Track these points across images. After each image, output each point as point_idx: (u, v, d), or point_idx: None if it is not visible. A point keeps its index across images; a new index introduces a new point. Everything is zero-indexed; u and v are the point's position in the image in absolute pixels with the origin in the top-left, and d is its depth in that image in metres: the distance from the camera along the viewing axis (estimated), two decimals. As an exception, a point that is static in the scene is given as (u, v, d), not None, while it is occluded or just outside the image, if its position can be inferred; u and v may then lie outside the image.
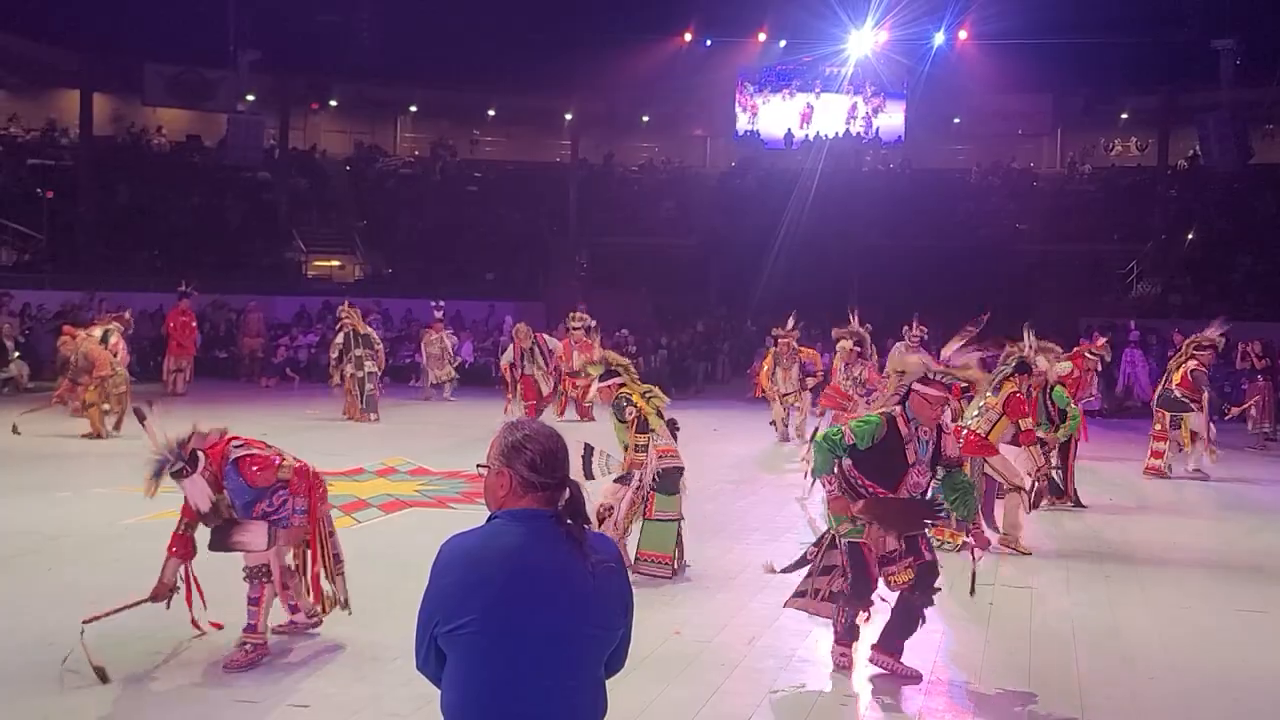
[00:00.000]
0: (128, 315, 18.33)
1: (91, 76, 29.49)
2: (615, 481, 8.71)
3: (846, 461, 6.54)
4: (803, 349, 17.30)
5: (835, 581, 6.68)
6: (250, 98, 29.62)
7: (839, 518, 6.59)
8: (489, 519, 3.09)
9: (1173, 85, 30.10)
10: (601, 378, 9.01)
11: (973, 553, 7.09)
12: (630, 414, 8.81)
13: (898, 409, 6.50)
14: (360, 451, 14.42)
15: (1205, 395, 14.32)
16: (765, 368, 17.51)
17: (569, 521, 3.02)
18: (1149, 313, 26.17)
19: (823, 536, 6.96)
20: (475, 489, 11.71)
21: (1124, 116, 33.75)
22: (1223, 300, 26.58)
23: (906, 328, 17.94)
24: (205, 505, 6.37)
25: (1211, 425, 14.58)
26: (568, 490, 3.06)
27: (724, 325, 28.19)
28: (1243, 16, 26.96)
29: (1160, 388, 14.97)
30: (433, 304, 21.93)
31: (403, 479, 12.88)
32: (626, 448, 8.91)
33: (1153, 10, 27.71)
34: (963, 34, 30.09)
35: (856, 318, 16.14)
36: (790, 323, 17.14)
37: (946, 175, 35.13)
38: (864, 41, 30.82)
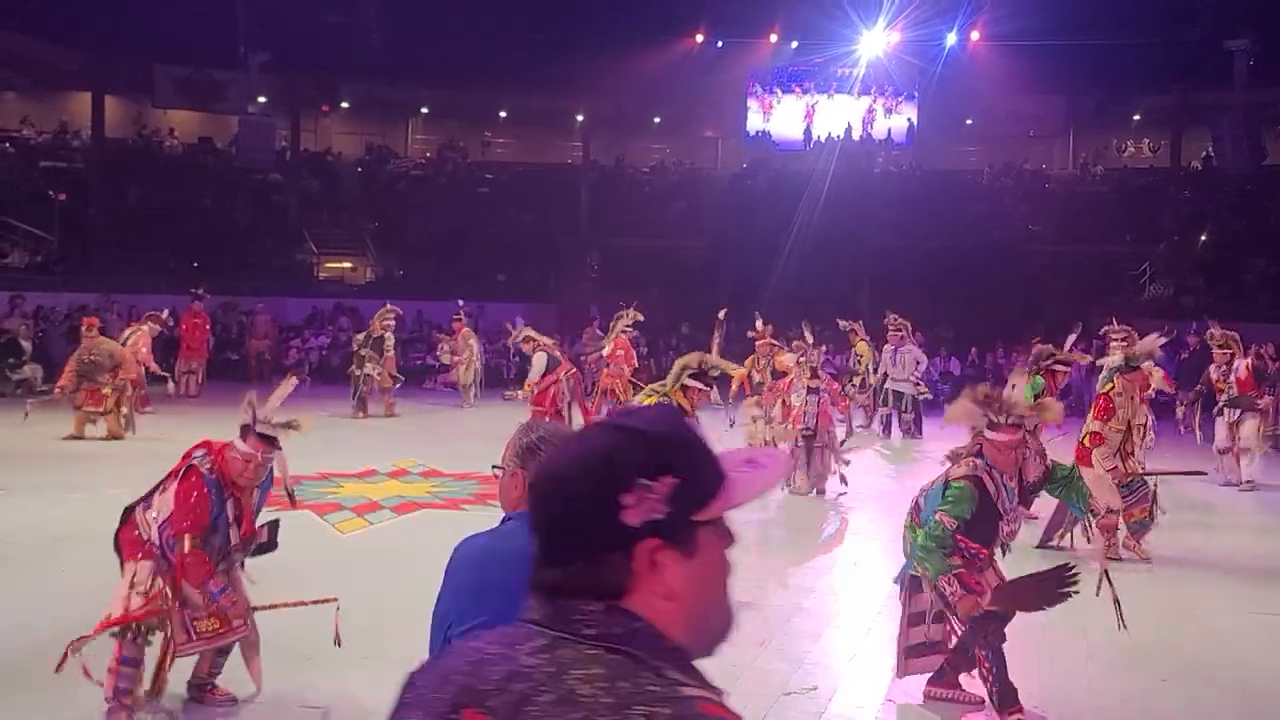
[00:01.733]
0: (165, 315, 18.48)
1: (102, 78, 29.56)
2: None
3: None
4: (780, 355, 16.73)
5: (950, 628, 6.31)
6: (261, 100, 29.67)
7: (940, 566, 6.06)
8: (503, 520, 3.08)
9: (1185, 86, 29.98)
10: (683, 381, 8.48)
11: (1105, 576, 6.64)
12: None
13: (978, 464, 6.06)
14: (372, 453, 14.44)
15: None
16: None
17: None
18: (1162, 314, 26.09)
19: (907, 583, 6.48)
20: (487, 490, 11.72)
21: (1136, 118, 33.64)
22: (1236, 302, 26.53)
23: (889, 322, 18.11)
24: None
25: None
26: None
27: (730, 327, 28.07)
28: (1256, 16, 26.85)
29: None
30: (459, 303, 21.99)
31: (415, 480, 12.90)
32: None
33: (1165, 10, 27.61)
34: (974, 35, 30.01)
35: (810, 332, 16.11)
36: (759, 324, 17.28)
37: (958, 176, 35.06)
38: (875, 42, 30.75)
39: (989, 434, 6.04)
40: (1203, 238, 30.06)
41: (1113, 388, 9.72)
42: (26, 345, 20.92)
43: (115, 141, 31.01)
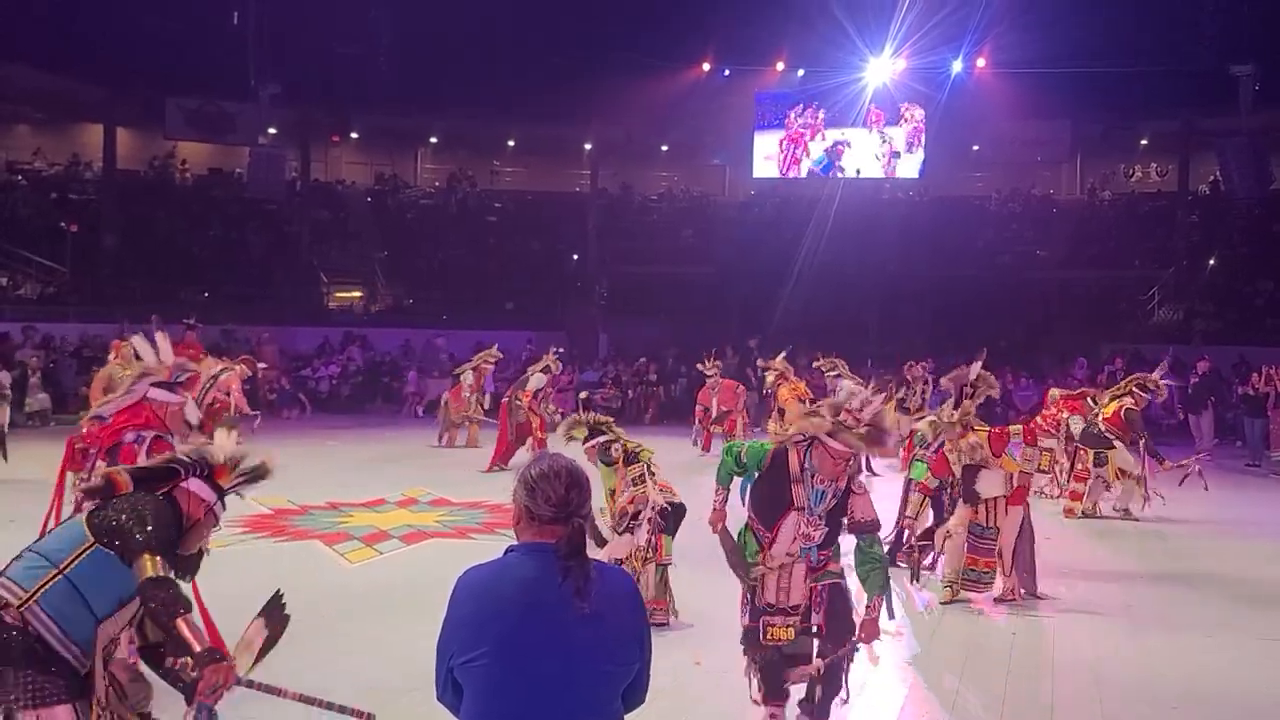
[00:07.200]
0: (262, 365, 18.18)
1: (114, 110, 29.76)
2: (621, 534, 8.27)
3: (749, 491, 6.15)
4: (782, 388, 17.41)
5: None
6: (271, 131, 29.82)
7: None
8: (506, 551, 3.12)
9: (1192, 111, 30.01)
10: (586, 440, 8.70)
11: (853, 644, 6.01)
12: (616, 450, 8.54)
13: (797, 445, 5.91)
14: (381, 482, 14.46)
15: (1143, 437, 13.51)
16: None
17: (566, 559, 3.03)
18: (1172, 339, 26.08)
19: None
20: (496, 519, 11.74)
21: (1144, 142, 33.62)
22: (1245, 326, 26.53)
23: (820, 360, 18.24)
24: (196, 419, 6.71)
25: (1147, 466, 13.52)
26: (569, 526, 3.08)
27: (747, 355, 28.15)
28: (1261, 42, 26.91)
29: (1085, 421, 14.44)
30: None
31: (424, 509, 12.91)
32: (613, 493, 8.52)
33: (1171, 36, 27.68)
34: (980, 62, 30.05)
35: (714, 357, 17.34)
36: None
37: (966, 202, 35.06)
38: (882, 70, 30.79)
39: (825, 439, 5.80)
40: (1211, 262, 30.07)
41: (945, 446, 9.56)
42: (35, 376, 20.93)
43: (127, 173, 31.18)
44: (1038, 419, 12.25)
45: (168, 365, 7.51)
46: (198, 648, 4.25)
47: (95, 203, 30.05)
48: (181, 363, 7.75)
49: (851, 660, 6.01)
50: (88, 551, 4.34)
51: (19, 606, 4.24)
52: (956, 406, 9.98)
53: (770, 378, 17.78)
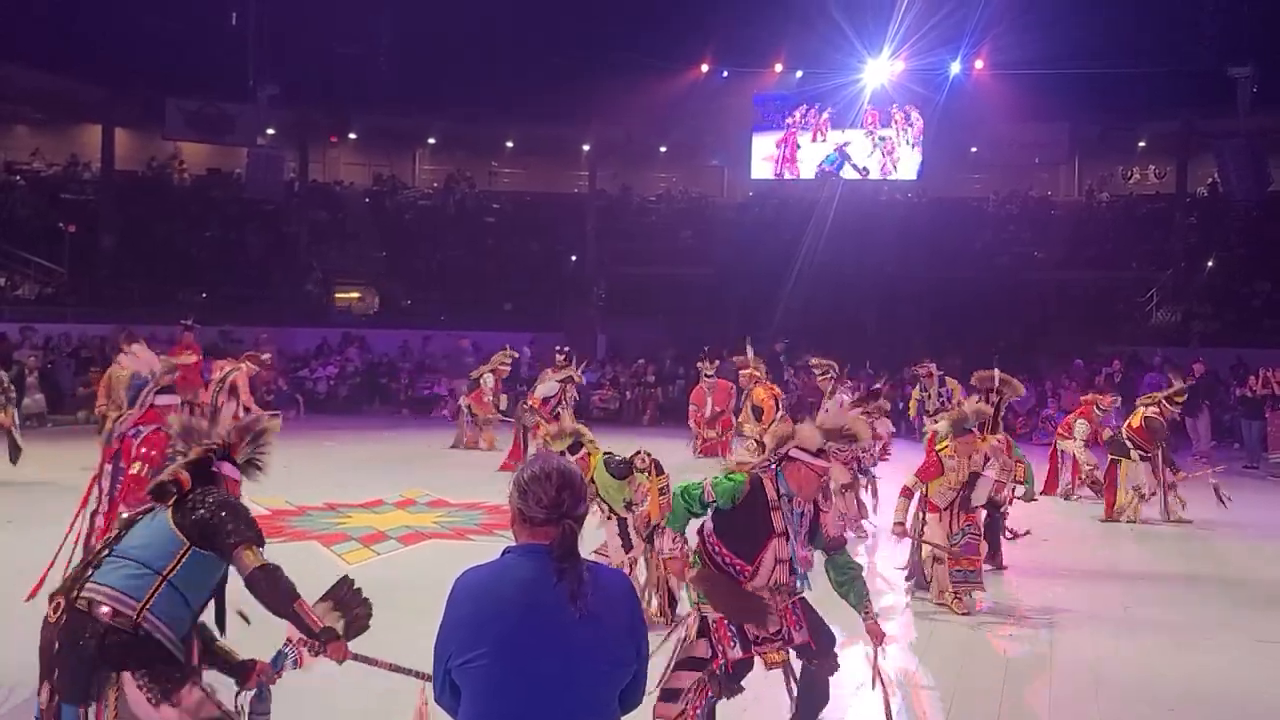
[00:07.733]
0: (266, 356, 17.91)
1: (113, 110, 29.75)
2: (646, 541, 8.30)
3: (708, 525, 5.84)
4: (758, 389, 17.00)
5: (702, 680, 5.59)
6: (270, 131, 29.78)
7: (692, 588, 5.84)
8: (503, 552, 3.12)
9: (1190, 112, 29.99)
10: (570, 450, 8.35)
11: (876, 649, 5.91)
12: (643, 460, 8.26)
13: (767, 471, 5.72)
14: (379, 483, 14.44)
15: (1160, 447, 13.43)
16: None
17: (560, 561, 3.04)
18: (1169, 341, 26.09)
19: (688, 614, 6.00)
20: (494, 520, 11.73)
21: (1142, 144, 33.60)
22: (1242, 328, 26.52)
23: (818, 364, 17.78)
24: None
25: (1167, 475, 13.45)
26: (562, 528, 3.08)
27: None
28: (1259, 43, 26.91)
29: (1090, 424, 14.52)
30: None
31: (421, 510, 12.89)
32: (629, 504, 8.34)
33: (1170, 37, 27.67)
34: (979, 63, 30.03)
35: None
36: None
37: (964, 204, 35.03)
38: (880, 71, 30.79)
39: (800, 454, 5.66)
40: (1209, 264, 30.06)
41: (946, 449, 9.37)
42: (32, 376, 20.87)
43: (125, 173, 31.16)
44: (1060, 427, 12.43)
45: (161, 372, 7.95)
46: (317, 628, 4.65)
47: (93, 203, 30.04)
48: (170, 364, 8.15)
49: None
50: (186, 555, 4.55)
51: (136, 616, 4.40)
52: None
53: (743, 377, 17.43)
